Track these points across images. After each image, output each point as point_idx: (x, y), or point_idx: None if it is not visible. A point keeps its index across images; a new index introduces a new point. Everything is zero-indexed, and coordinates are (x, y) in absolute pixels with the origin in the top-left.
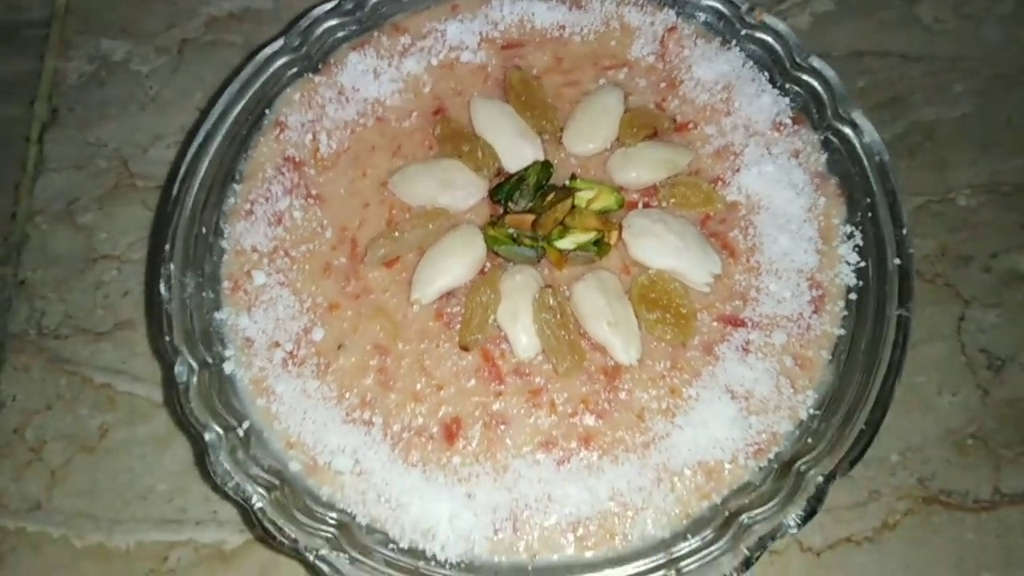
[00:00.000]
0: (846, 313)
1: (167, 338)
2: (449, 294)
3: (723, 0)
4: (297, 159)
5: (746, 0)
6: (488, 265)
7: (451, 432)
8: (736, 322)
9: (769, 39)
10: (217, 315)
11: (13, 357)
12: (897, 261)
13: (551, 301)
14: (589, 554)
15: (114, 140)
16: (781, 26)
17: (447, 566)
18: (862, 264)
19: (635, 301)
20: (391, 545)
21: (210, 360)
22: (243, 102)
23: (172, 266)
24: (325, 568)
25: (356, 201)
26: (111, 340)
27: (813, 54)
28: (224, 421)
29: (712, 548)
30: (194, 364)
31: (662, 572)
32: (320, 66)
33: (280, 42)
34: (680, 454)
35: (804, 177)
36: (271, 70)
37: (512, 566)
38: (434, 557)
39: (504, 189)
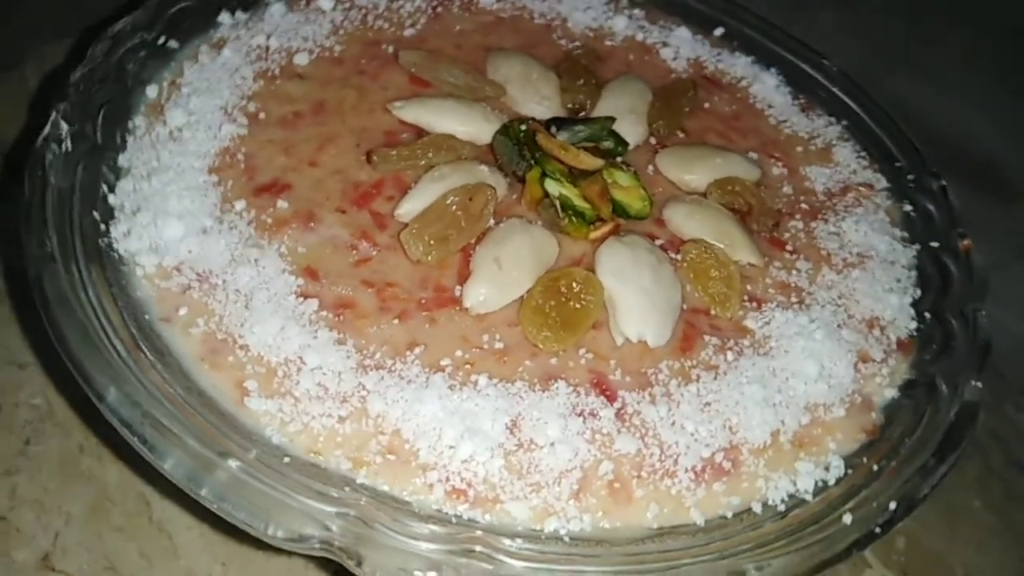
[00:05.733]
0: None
1: None
2: (422, 132)
3: (944, 208)
4: None
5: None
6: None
7: (270, 187)
8: (604, 390)
9: (955, 270)
10: (219, 17)
11: None
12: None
13: (477, 198)
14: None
15: None
16: (979, 265)
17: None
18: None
19: (545, 278)
20: (105, 230)
21: (160, 35)
22: None
23: None
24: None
25: (449, 43)
26: None
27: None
28: (129, 55)
29: None
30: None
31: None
32: None
33: None
34: (407, 426)
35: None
36: None
37: (160, 356)
38: (118, 254)
39: (565, 120)
